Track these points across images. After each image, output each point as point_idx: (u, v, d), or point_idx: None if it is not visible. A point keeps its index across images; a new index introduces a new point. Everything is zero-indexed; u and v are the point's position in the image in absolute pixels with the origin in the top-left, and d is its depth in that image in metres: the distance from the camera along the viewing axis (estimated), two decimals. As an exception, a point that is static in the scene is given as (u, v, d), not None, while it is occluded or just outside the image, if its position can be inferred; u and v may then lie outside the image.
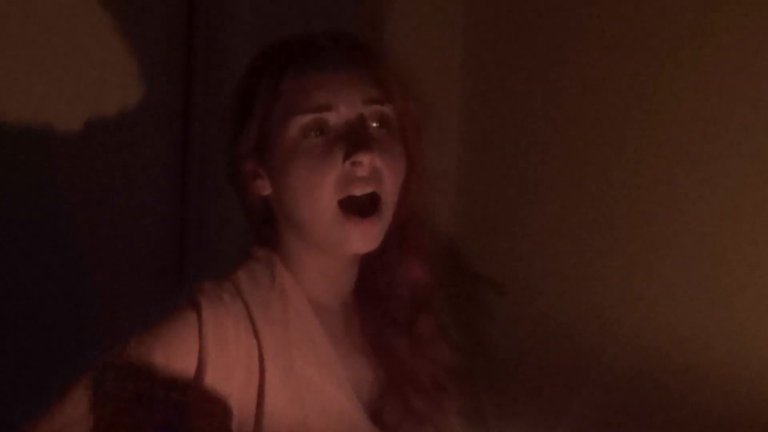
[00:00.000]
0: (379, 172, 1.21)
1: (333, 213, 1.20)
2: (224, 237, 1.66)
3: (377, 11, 1.83)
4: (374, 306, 1.31)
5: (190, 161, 1.68)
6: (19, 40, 1.53)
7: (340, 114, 1.21)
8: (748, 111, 1.44)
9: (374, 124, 1.23)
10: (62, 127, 1.57)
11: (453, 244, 1.88)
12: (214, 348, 1.17)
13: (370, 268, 1.31)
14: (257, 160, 1.26)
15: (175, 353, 1.16)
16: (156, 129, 1.67)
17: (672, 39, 1.55)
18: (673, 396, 1.51)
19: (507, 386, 1.68)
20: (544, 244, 1.77)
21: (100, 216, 1.61)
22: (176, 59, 1.67)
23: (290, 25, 1.69)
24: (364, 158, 1.19)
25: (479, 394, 1.36)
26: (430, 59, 1.88)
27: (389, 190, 1.23)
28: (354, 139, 1.19)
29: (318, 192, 1.20)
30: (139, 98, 1.64)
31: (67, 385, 1.16)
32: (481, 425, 1.32)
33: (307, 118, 1.20)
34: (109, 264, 1.62)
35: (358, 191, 1.20)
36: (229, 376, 1.18)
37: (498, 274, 1.82)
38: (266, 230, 1.29)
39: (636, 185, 1.60)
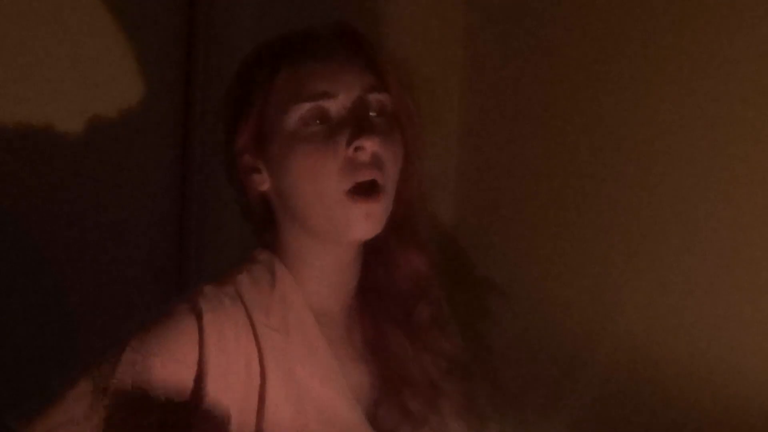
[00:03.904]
0: (380, 158, 1.20)
1: (338, 198, 1.19)
2: (224, 238, 1.66)
3: (377, 10, 1.83)
4: (375, 303, 1.31)
5: (190, 161, 1.68)
6: (19, 40, 1.53)
7: (340, 101, 1.20)
8: (751, 111, 1.44)
9: (373, 113, 1.22)
10: (62, 127, 1.57)
11: (454, 244, 1.88)
12: (214, 354, 1.17)
13: (371, 266, 1.31)
14: (255, 153, 1.25)
15: (174, 358, 1.16)
16: (156, 129, 1.67)
17: (673, 39, 1.54)
18: (668, 396, 1.51)
19: (505, 384, 1.68)
20: (542, 243, 1.76)
21: (100, 216, 1.61)
22: (176, 59, 1.67)
23: (290, 24, 1.68)
24: (367, 143, 1.18)
25: (478, 393, 1.35)
26: (430, 59, 1.88)
27: (389, 177, 1.22)
28: (356, 124, 1.19)
29: (322, 179, 1.19)
30: (139, 98, 1.64)
31: (64, 385, 1.15)
32: (479, 425, 1.32)
33: (307, 106, 1.20)
34: (109, 264, 1.62)
35: (361, 177, 1.19)
36: (229, 381, 1.18)
37: (496, 273, 1.82)
38: (266, 230, 1.29)
39: (635, 185, 1.60)
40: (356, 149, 1.18)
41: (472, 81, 1.92)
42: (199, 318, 1.17)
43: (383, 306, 1.30)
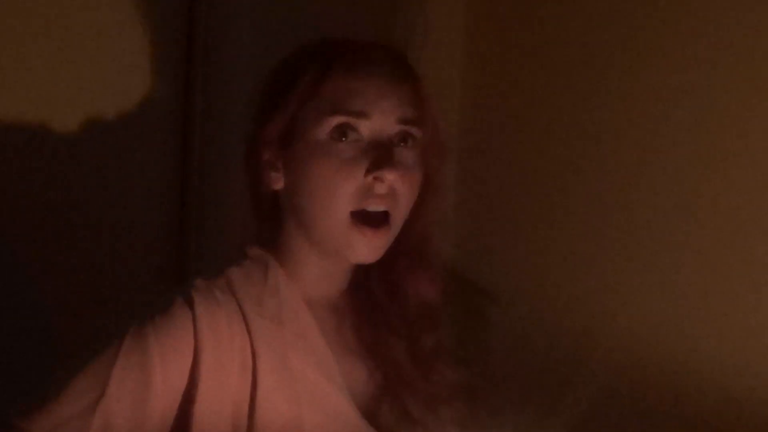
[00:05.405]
0: (396, 192, 1.21)
1: (342, 220, 1.20)
2: (224, 237, 1.66)
3: (377, 12, 1.83)
4: (370, 310, 1.31)
5: (190, 161, 1.68)
6: (19, 40, 1.53)
7: (373, 124, 1.20)
8: (750, 111, 1.44)
9: (401, 144, 1.22)
10: (62, 127, 1.57)
11: (453, 244, 1.88)
12: (208, 344, 1.18)
13: (365, 270, 1.31)
14: (278, 151, 1.25)
15: (171, 349, 1.17)
16: (156, 129, 1.67)
17: (673, 41, 1.55)
18: (668, 396, 1.51)
19: (505, 385, 1.68)
20: (541, 243, 1.77)
21: (100, 216, 1.62)
22: (176, 59, 1.67)
23: (290, 26, 1.69)
24: (389, 176, 1.19)
25: (477, 404, 1.35)
26: (430, 59, 1.87)
27: (401, 212, 1.23)
28: (381, 154, 1.19)
29: (333, 198, 1.19)
30: (139, 98, 1.64)
31: (65, 381, 1.16)
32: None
33: (340, 120, 1.19)
34: (109, 264, 1.62)
35: (373, 207, 1.20)
36: (224, 372, 1.19)
37: (495, 273, 1.82)
38: (268, 225, 1.29)
39: (634, 186, 1.60)
40: (375, 179, 1.19)
41: (472, 82, 1.92)
42: (192, 309, 1.19)
43: (385, 321, 1.31)
